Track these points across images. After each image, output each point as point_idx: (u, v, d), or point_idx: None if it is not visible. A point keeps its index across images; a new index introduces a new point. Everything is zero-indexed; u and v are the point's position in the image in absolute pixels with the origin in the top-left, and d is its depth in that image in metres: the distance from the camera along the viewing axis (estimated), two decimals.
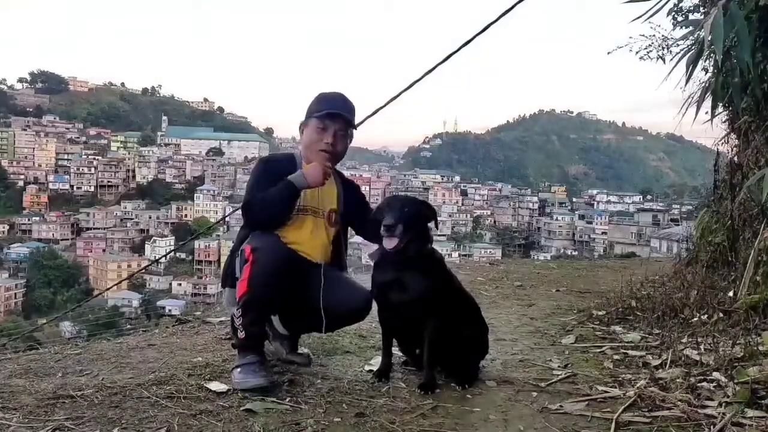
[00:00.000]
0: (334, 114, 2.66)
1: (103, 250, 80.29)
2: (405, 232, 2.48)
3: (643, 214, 74.25)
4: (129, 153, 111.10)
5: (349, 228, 2.92)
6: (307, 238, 2.63)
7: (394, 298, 2.55)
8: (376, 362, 2.77)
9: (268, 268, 2.39)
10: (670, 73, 3.86)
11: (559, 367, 2.93)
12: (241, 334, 2.43)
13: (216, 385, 2.39)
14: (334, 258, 2.75)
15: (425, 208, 2.65)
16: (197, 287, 64.41)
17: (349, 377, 2.64)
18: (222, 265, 2.91)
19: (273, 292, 2.45)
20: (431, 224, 2.66)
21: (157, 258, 60.95)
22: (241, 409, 2.20)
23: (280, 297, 2.51)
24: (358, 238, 3.06)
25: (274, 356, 2.80)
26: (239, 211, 2.72)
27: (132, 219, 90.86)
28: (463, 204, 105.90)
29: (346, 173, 2.99)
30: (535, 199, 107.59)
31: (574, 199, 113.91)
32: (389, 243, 2.47)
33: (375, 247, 2.65)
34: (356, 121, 2.84)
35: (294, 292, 2.54)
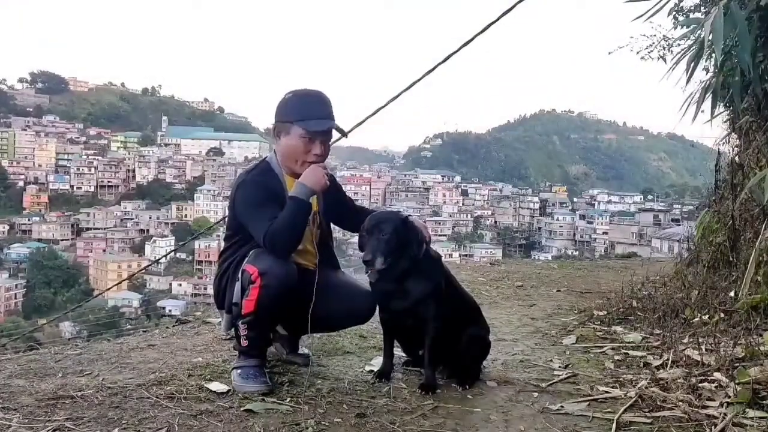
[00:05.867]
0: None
1: (103, 251, 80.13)
2: (387, 257, 2.46)
3: (644, 214, 74.03)
4: (129, 153, 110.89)
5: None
6: (302, 248, 2.56)
7: (394, 300, 2.55)
8: (376, 363, 2.78)
9: (277, 292, 2.35)
10: (669, 71, 3.87)
11: (560, 367, 2.93)
12: (244, 342, 2.43)
13: (216, 386, 2.40)
14: (326, 258, 2.71)
15: (403, 229, 2.51)
16: (197, 287, 64.17)
17: (349, 378, 2.64)
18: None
19: (280, 313, 2.48)
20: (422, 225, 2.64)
21: (157, 258, 60.85)
22: (242, 409, 2.20)
23: (285, 313, 2.53)
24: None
25: (275, 357, 2.80)
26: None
27: (132, 219, 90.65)
28: (463, 204, 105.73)
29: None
30: (536, 199, 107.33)
31: (575, 199, 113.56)
32: (372, 277, 2.52)
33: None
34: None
35: (296, 301, 2.52)
